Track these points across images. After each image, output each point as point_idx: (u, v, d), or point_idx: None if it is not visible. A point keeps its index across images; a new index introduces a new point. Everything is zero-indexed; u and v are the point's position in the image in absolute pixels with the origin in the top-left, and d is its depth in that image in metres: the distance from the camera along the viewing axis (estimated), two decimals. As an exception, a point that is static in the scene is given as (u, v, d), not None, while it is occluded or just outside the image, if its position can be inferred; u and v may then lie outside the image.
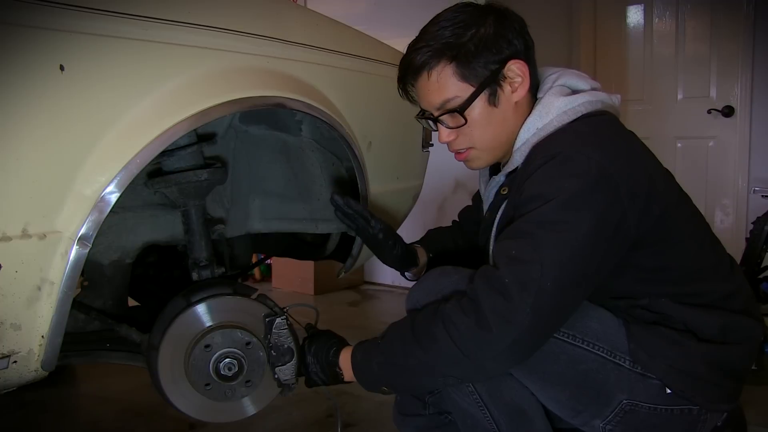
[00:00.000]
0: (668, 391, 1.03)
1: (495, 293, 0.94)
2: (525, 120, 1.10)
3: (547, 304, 0.94)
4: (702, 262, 1.09)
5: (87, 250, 0.95)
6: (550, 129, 1.07)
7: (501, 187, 1.18)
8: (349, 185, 1.53)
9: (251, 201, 1.60)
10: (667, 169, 1.12)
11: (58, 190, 0.93)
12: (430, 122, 1.16)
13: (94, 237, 0.96)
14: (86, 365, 2.30)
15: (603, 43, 3.70)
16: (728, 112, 3.35)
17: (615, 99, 1.15)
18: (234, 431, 1.79)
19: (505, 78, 1.09)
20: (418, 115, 1.19)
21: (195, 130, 1.16)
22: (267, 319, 1.21)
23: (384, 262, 1.40)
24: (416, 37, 1.13)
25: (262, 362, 1.21)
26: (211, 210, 1.47)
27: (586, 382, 1.04)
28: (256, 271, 3.97)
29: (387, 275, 3.84)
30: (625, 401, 1.04)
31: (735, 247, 2.70)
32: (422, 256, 1.44)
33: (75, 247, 0.94)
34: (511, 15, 1.11)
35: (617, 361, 1.04)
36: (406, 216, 1.87)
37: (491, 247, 1.16)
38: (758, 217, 2.47)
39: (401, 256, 1.38)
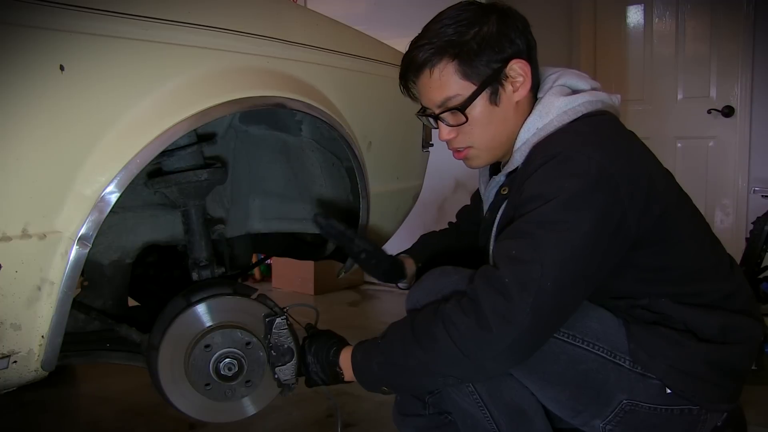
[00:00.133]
0: (668, 391, 1.03)
1: (495, 293, 0.94)
2: (525, 120, 1.10)
3: (547, 304, 0.94)
4: (702, 262, 1.09)
5: (87, 250, 0.95)
6: (551, 129, 1.07)
7: (501, 187, 1.18)
8: (349, 185, 1.53)
9: (251, 201, 1.60)
10: (667, 169, 1.11)
11: (58, 190, 0.93)
12: (431, 120, 1.16)
13: (94, 237, 0.96)
14: (86, 365, 2.29)
15: (603, 43, 3.70)
16: (728, 112, 3.35)
17: (615, 99, 1.15)
18: (234, 431, 1.79)
19: (507, 77, 1.09)
20: (418, 112, 1.19)
21: (195, 130, 1.16)
22: (267, 319, 1.21)
23: (371, 276, 1.41)
24: (419, 34, 1.13)
25: (262, 362, 1.21)
26: (211, 210, 1.47)
27: (586, 382, 1.04)
28: (256, 271, 3.97)
29: (387, 275, 3.83)
30: (625, 401, 1.04)
31: (735, 247, 2.70)
32: (410, 267, 1.43)
33: (75, 247, 0.94)
34: (514, 14, 1.11)
35: (617, 361, 1.04)
36: (406, 216, 1.87)
37: (491, 248, 1.16)
38: (758, 217, 2.47)
39: (386, 272, 1.37)
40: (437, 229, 1.55)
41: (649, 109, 3.59)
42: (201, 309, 1.20)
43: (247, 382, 1.21)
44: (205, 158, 1.31)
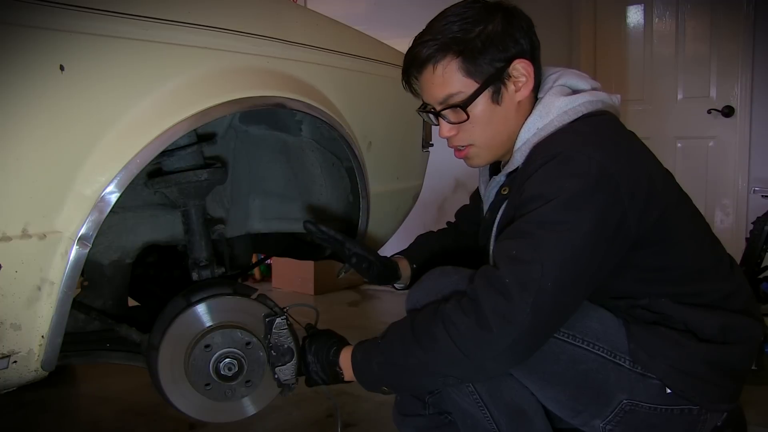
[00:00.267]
0: (668, 391, 1.03)
1: (495, 293, 0.94)
2: (526, 120, 1.10)
3: (548, 304, 0.94)
4: (702, 262, 1.09)
5: (87, 250, 0.95)
6: (551, 129, 1.07)
7: (501, 187, 1.18)
8: (349, 185, 1.53)
9: (251, 201, 1.60)
10: (667, 170, 1.11)
11: (58, 190, 0.93)
12: (432, 116, 1.16)
13: (94, 237, 0.96)
14: (86, 365, 2.29)
15: (603, 43, 3.70)
16: (728, 112, 3.35)
17: (615, 99, 1.15)
18: (234, 431, 1.79)
19: (510, 77, 1.09)
20: (419, 108, 1.19)
21: (195, 130, 1.16)
22: (267, 319, 1.21)
23: (365, 279, 1.41)
24: (423, 30, 1.13)
25: (262, 362, 1.21)
26: (211, 210, 1.47)
27: (586, 382, 1.04)
28: (256, 271, 3.97)
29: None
30: (625, 401, 1.04)
31: (735, 247, 2.70)
32: (405, 269, 1.42)
33: (75, 247, 0.94)
34: (519, 14, 1.11)
35: (617, 361, 1.04)
36: (406, 216, 1.87)
37: (491, 247, 1.16)
38: (758, 217, 2.47)
39: (379, 275, 1.36)
40: (436, 230, 1.55)
41: (649, 109, 3.59)
42: (201, 309, 1.20)
43: (247, 382, 1.21)
44: (205, 158, 1.31)
